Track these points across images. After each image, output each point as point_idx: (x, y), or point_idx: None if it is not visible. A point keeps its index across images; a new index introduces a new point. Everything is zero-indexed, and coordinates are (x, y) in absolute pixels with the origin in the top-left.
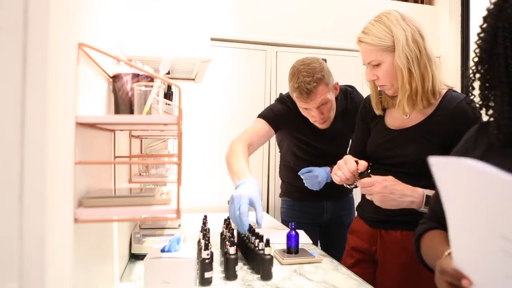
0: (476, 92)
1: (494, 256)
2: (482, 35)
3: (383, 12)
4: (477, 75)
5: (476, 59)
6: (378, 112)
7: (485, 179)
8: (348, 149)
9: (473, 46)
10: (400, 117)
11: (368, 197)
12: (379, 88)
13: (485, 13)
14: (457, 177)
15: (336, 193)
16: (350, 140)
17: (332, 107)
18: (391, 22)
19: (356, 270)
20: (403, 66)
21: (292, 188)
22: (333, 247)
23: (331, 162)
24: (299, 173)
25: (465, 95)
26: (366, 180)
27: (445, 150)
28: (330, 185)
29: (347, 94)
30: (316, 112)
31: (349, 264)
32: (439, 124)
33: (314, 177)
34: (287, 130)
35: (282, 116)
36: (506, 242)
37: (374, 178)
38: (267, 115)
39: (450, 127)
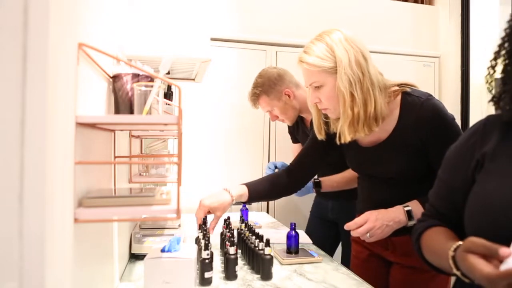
0: (487, 70)
1: None
2: None
3: (325, 31)
4: (503, 52)
5: (505, 37)
6: (320, 137)
7: None
8: None
9: (473, 45)
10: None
11: (370, 239)
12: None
13: None
14: None
15: None
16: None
17: (283, 111)
18: (333, 41)
19: (369, 266)
20: (345, 89)
21: None
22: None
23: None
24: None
25: (423, 98)
26: (362, 229)
27: (424, 154)
28: None
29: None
30: (270, 115)
31: (363, 257)
32: (407, 134)
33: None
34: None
35: (290, 130)
36: None
37: (363, 218)
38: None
39: (419, 133)
